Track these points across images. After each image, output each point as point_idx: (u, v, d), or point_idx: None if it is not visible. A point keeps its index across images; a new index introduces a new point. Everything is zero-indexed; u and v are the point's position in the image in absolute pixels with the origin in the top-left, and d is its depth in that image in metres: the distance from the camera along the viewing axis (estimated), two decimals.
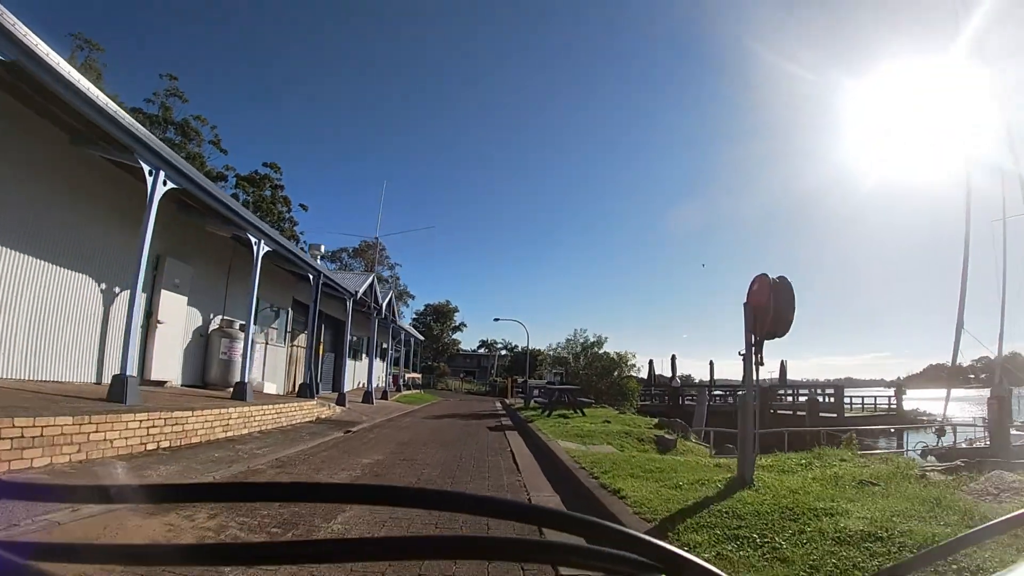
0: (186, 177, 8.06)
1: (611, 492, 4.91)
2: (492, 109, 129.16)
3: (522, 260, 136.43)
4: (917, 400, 39.40)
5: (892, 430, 26.83)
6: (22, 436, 5.12)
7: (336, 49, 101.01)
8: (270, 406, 9.91)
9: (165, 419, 6.94)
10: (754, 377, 5.33)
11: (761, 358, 5.30)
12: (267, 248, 10.88)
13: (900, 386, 39.33)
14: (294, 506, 4.71)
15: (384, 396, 22.74)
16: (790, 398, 36.38)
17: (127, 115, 6.97)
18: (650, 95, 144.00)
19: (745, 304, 5.43)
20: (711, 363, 45.32)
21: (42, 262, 7.85)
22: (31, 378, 7.80)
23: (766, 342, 5.33)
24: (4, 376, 7.38)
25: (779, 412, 31.54)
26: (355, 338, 25.29)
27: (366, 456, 7.70)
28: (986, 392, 23.31)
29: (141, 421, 6.54)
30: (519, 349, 65.40)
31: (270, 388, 13.56)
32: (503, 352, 75.18)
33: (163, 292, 10.13)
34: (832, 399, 33.47)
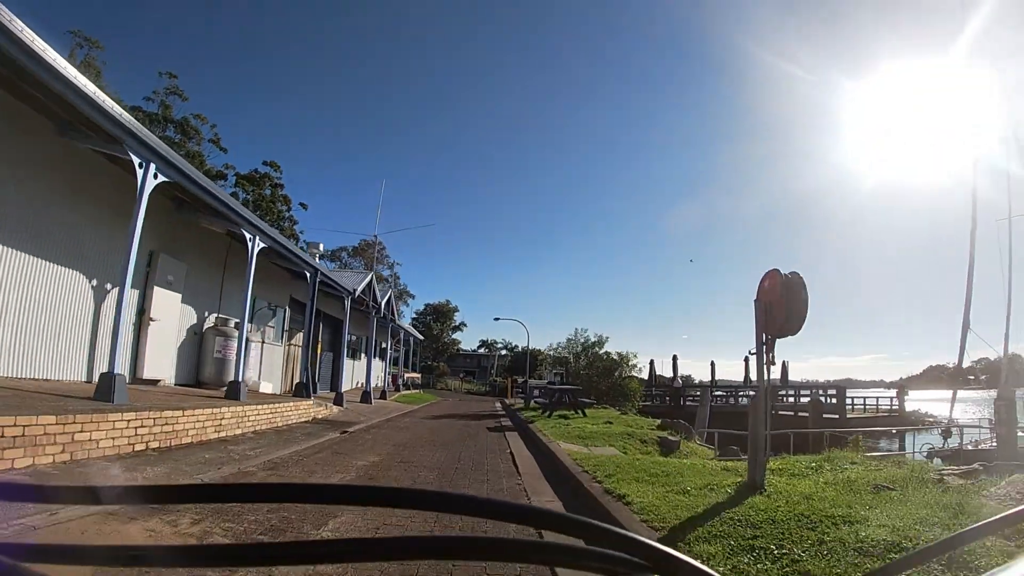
0: (178, 170, 7.84)
1: (616, 497, 4.68)
2: (492, 109, 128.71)
3: (522, 260, 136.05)
4: (918, 401, 39.21)
5: (894, 431, 26.61)
6: (2, 435, 4.90)
7: (336, 49, 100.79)
8: (265, 406, 9.69)
9: (154, 419, 6.72)
10: (765, 377, 5.10)
11: (773, 357, 5.08)
12: (262, 245, 10.66)
13: (902, 387, 39.08)
14: (283, 511, 4.50)
15: (383, 396, 22.53)
16: (792, 399, 36.11)
17: (115, 104, 6.74)
18: (650, 95, 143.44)
19: (756, 301, 5.21)
20: (712, 363, 45.02)
21: (30, 257, 7.62)
22: (18, 376, 7.58)
23: (778, 341, 5.10)
24: None
25: (780, 413, 31.30)
26: (354, 337, 25.08)
27: (362, 458, 7.47)
28: (986, 393, 23.14)
29: (129, 421, 6.32)
30: (519, 349, 65.29)
31: (266, 388, 13.33)
32: (503, 352, 75.04)
33: (156, 289, 9.91)
34: (834, 400, 33.26)
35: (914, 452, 17.48)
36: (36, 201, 7.73)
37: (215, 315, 11.99)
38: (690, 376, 67.40)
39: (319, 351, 18.75)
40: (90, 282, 8.67)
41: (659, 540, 0.55)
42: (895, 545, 3.26)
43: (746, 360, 46.47)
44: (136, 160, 7.20)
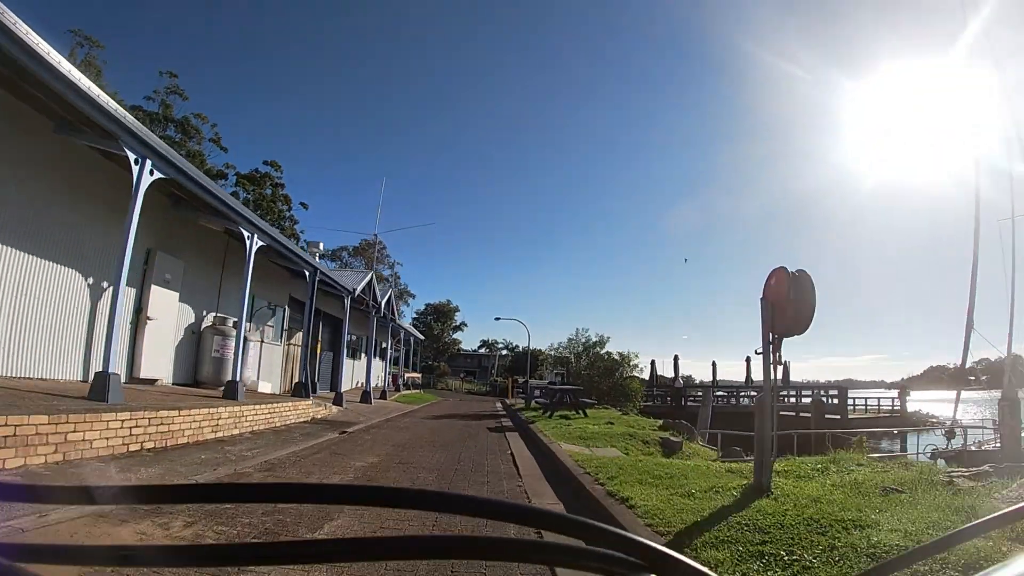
0: (174, 167, 7.74)
1: (619, 500, 4.57)
2: (492, 109, 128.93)
3: (522, 260, 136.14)
4: (919, 402, 39.11)
5: (895, 432, 26.49)
6: None
7: (336, 49, 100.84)
8: (263, 406, 9.58)
9: (149, 419, 6.61)
10: (772, 377, 4.98)
11: (780, 357, 4.96)
12: (261, 243, 10.55)
13: (904, 388, 38.96)
14: (278, 514, 4.40)
15: (383, 396, 22.42)
16: (793, 399, 35.95)
17: (110, 99, 6.64)
18: (650, 95, 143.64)
19: (762, 299, 5.09)
20: (713, 364, 44.99)
21: (25, 255, 7.53)
22: (14, 375, 7.49)
23: (785, 340, 4.99)
24: None
25: (782, 413, 31.10)
26: (354, 337, 24.97)
27: (360, 459, 7.37)
28: (987, 394, 23.02)
29: (123, 421, 6.21)
30: (520, 349, 65.22)
31: (265, 387, 13.23)
32: (504, 352, 74.93)
33: (153, 287, 9.81)
34: (836, 401, 33.14)
35: (918, 453, 17.31)
36: (34, 199, 7.66)
37: (213, 314, 11.89)
38: (690, 376, 67.26)
39: (319, 351, 18.65)
40: (86, 280, 8.57)
41: (665, 545, 0.53)
42: (909, 551, 3.15)
43: (747, 360, 46.53)
44: (132, 156, 7.10)
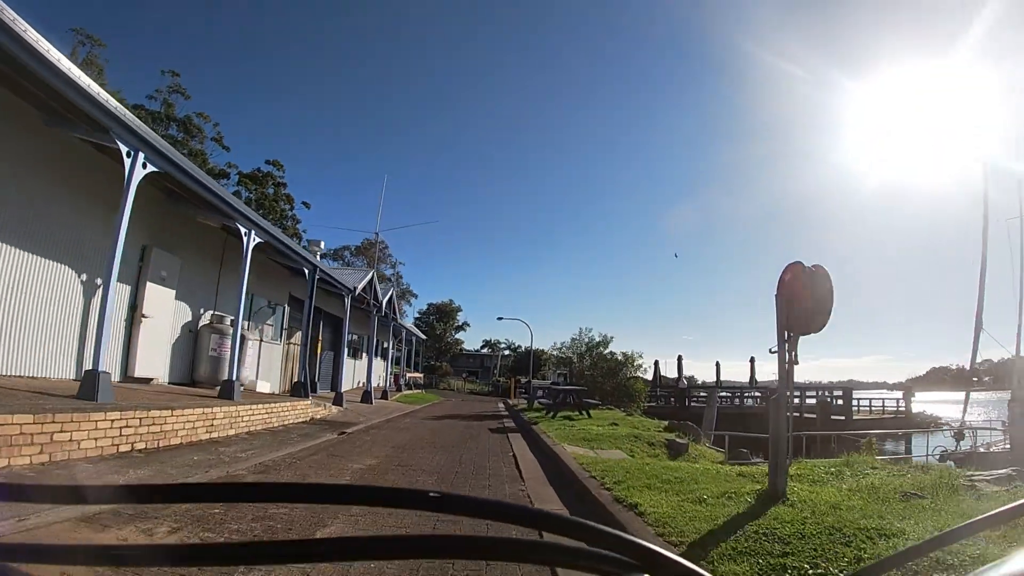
0: (167, 159, 7.53)
1: (627, 507, 4.34)
2: (492, 109, 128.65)
3: (525, 260, 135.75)
4: (923, 403, 38.82)
5: (900, 433, 26.22)
6: None
7: (336, 49, 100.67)
8: (260, 406, 9.37)
9: (140, 419, 6.41)
10: (788, 378, 4.75)
11: (795, 356, 4.73)
12: (258, 239, 10.35)
13: (909, 388, 38.63)
14: (268, 519, 4.20)
15: (384, 396, 22.23)
16: (797, 400, 35.64)
17: (101, 90, 6.44)
18: (650, 95, 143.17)
19: (777, 296, 4.85)
20: (717, 364, 44.64)
21: (18, 251, 7.36)
22: (5, 373, 7.31)
23: (802, 338, 4.76)
24: None
25: (786, 415, 30.83)
26: (355, 336, 24.77)
27: (358, 461, 7.15)
28: (992, 395, 22.76)
29: (113, 421, 6.01)
30: (522, 349, 65.00)
31: (263, 387, 13.02)
32: (506, 352, 74.66)
33: (149, 284, 9.62)
34: (840, 401, 32.84)
35: (927, 455, 17.06)
36: (32, 196, 7.51)
37: (211, 312, 11.69)
38: (693, 377, 66.97)
39: (319, 350, 18.45)
40: (80, 277, 8.38)
41: (674, 552, 0.52)
42: (940, 562, 2.92)
43: (752, 361, 46.29)
44: (124, 148, 6.91)
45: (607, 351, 25.23)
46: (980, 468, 11.88)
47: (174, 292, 10.39)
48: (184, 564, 0.50)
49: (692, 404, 32.53)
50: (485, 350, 76.79)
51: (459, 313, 68.56)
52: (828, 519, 3.81)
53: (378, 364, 26.22)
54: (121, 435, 6.13)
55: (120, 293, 9.04)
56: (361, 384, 23.38)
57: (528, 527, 0.55)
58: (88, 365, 8.07)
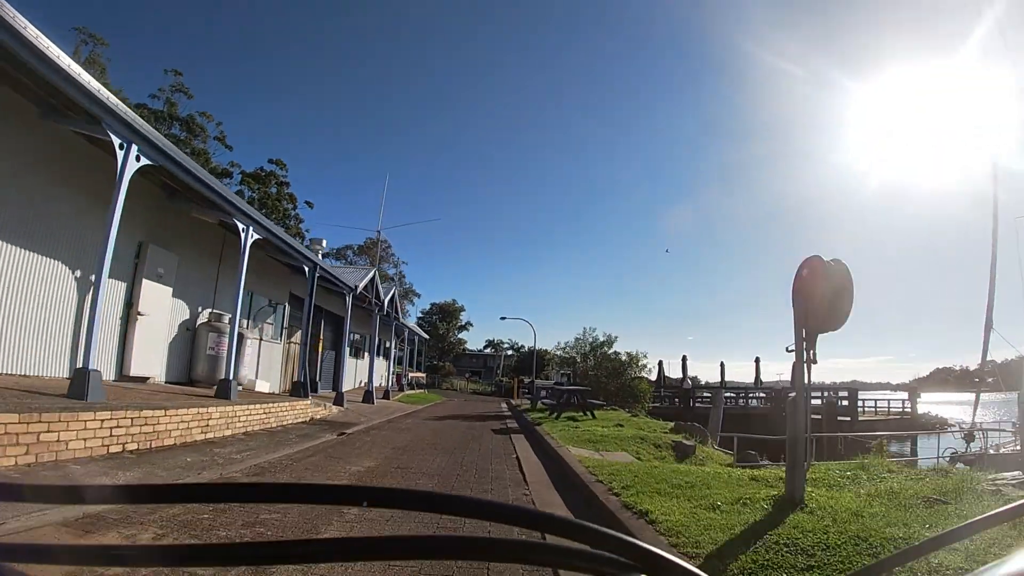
0: (162, 152, 7.33)
1: (637, 514, 4.10)
2: (492, 109, 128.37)
3: (527, 260, 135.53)
4: (927, 404, 38.52)
5: (905, 435, 25.90)
6: None
7: (336, 49, 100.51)
8: (257, 405, 9.16)
9: (132, 419, 6.21)
10: (806, 378, 4.52)
11: (814, 355, 4.49)
12: (256, 236, 10.14)
13: (915, 389, 38.29)
14: (258, 525, 4.00)
15: (386, 396, 22.03)
16: None
17: (92, 79, 6.24)
18: (650, 96, 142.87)
19: (794, 293, 4.62)
20: (722, 364, 44.25)
21: (10, 247, 7.18)
22: None
23: (819, 336, 4.52)
24: None
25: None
26: (357, 336, 24.59)
27: (357, 463, 6.94)
28: (995, 396, 22.46)
29: (103, 421, 5.82)
30: (525, 349, 64.80)
31: (263, 386, 12.81)
32: (509, 352, 74.42)
33: (145, 282, 9.42)
34: (846, 403, 32.52)
35: (938, 457, 16.77)
36: (25, 194, 7.35)
37: (209, 310, 11.50)
38: (696, 377, 66.69)
39: (320, 349, 18.26)
40: (73, 273, 8.19)
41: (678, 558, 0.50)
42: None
43: (757, 361, 45.99)
44: (116, 141, 6.70)
45: (611, 351, 24.98)
46: (991, 470, 11.62)
47: (171, 290, 10.19)
48: (184, 564, 0.50)
49: (696, 405, 32.24)
50: (488, 350, 76.57)
51: (462, 313, 68.44)
52: (851, 528, 3.59)
53: (380, 364, 26.03)
54: (111, 435, 5.94)
55: (115, 290, 8.86)
56: (363, 384, 23.20)
57: (527, 528, 0.53)
58: (81, 363, 7.92)
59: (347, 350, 18.71)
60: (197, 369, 10.95)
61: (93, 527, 3.71)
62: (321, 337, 18.44)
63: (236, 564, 0.51)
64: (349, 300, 16.28)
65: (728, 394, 36.13)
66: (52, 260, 7.82)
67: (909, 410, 35.20)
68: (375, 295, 19.96)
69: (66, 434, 5.40)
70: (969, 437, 18.25)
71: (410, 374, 34.77)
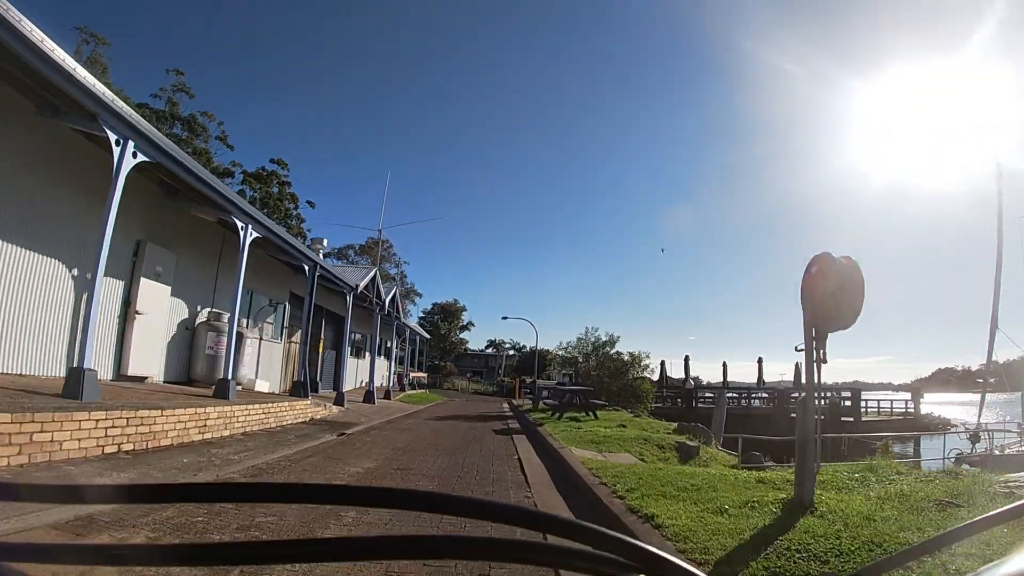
0: (159, 149, 7.23)
1: (642, 518, 3.99)
2: (492, 108, 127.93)
3: (528, 260, 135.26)
4: (930, 404, 38.33)
5: (908, 435, 25.73)
6: None
7: (336, 49, 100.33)
8: (256, 405, 9.06)
9: (128, 419, 6.12)
10: (816, 378, 4.40)
11: (824, 354, 4.37)
12: (256, 234, 10.03)
13: (918, 390, 38.10)
14: (253, 529, 3.91)
15: (387, 396, 21.93)
16: None
17: (88, 74, 6.14)
18: (650, 96, 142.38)
19: (802, 291, 4.50)
20: (724, 364, 44.08)
21: (8, 245, 7.10)
22: None
23: (830, 335, 4.41)
24: None
25: (793, 416, 30.46)
26: (359, 336, 24.50)
27: (356, 464, 6.83)
28: (997, 396, 22.33)
29: (98, 421, 5.72)
30: (527, 349, 64.66)
31: (262, 386, 12.72)
32: (511, 352, 74.28)
33: (143, 280, 9.33)
34: (849, 403, 32.34)
35: (944, 458, 16.63)
36: (25, 194, 7.28)
37: (208, 309, 11.40)
38: (698, 378, 66.56)
39: (321, 349, 18.18)
40: (70, 271, 8.10)
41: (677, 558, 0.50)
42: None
43: (759, 361, 45.78)
44: (112, 137, 6.61)
45: (613, 351, 24.86)
46: (998, 471, 11.49)
47: (170, 288, 10.10)
48: (185, 563, 0.50)
49: (699, 405, 32.10)
50: (490, 350, 76.45)
51: (464, 313, 68.32)
52: (864, 532, 3.48)
53: (381, 363, 25.94)
54: (107, 436, 5.84)
55: (113, 289, 8.78)
56: (364, 384, 23.10)
57: (527, 528, 0.52)
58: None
59: (348, 350, 18.60)
60: (196, 369, 10.85)
61: (84, 530, 3.61)
62: (322, 337, 18.35)
63: (236, 564, 0.50)
64: (350, 299, 16.18)
65: (730, 394, 35.97)
66: (50, 259, 7.75)
67: (912, 411, 35.02)
68: (376, 294, 19.87)
69: (60, 434, 5.31)
70: (975, 438, 18.12)
71: (411, 374, 34.69)
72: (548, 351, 50.80)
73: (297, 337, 16.34)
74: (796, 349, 4.48)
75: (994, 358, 21.21)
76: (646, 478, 5.31)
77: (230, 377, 9.18)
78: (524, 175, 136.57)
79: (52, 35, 5.73)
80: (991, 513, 0.69)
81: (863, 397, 35.00)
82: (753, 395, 38.40)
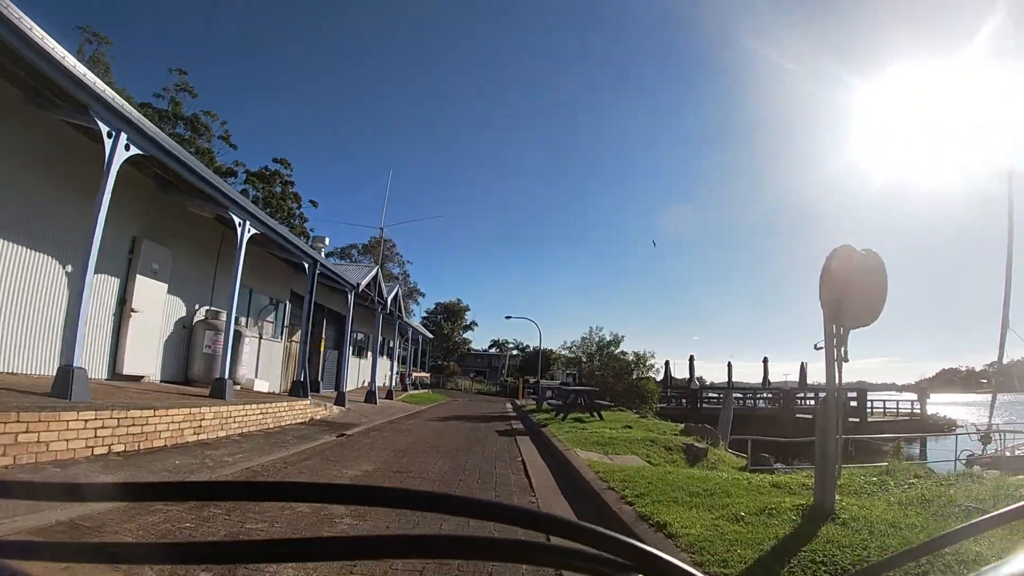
0: (152, 141, 7.03)
1: (654, 526, 3.76)
2: (490, 108, 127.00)
3: (531, 259, 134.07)
4: (935, 405, 38.00)
5: (914, 436, 25.43)
6: None
7: (334, 48, 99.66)
8: (254, 406, 8.86)
9: (118, 419, 5.92)
10: (837, 378, 4.17)
11: (845, 353, 4.14)
12: (253, 230, 9.83)
13: (924, 390, 37.74)
14: (243, 534, 3.70)
15: (389, 396, 21.73)
16: (812, 402, 34.86)
17: (77, 63, 5.94)
18: (651, 96, 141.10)
19: (821, 286, 4.27)
20: (729, 364, 43.79)
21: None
22: None
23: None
24: None
25: (798, 416, 30.28)
26: (361, 335, 24.32)
27: (354, 466, 6.63)
28: (1002, 397, 22.07)
29: (87, 421, 5.53)
30: (530, 349, 64.36)
31: (262, 386, 12.51)
32: (514, 352, 74.06)
33: (139, 278, 9.14)
34: (854, 404, 32.01)
35: (955, 459, 16.35)
36: (16, 188, 7.11)
37: (206, 308, 11.21)
38: (701, 378, 66.27)
39: (322, 348, 18.00)
40: (65, 269, 7.91)
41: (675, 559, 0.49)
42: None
43: (765, 361, 45.46)
44: (104, 128, 6.40)
45: (618, 351, 24.61)
46: (1009, 472, 11.23)
47: (166, 286, 9.91)
48: (181, 562, 0.50)
49: (703, 406, 31.82)
50: (493, 350, 76.23)
51: (467, 312, 68.10)
52: (891, 542, 3.26)
53: (383, 363, 25.76)
54: (96, 436, 5.65)
55: (108, 286, 8.60)
56: (366, 384, 22.91)
57: (527, 528, 0.51)
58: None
59: (349, 349, 18.39)
60: (194, 368, 10.67)
61: (64, 537, 3.40)
62: (323, 336, 18.17)
63: (235, 562, 0.49)
64: (351, 298, 15.97)
65: (735, 395, 35.69)
66: (43, 255, 7.58)
67: (918, 411, 34.67)
68: (378, 293, 19.66)
69: (47, 435, 5.13)
70: (986, 439, 17.83)
71: (414, 374, 34.53)
72: (551, 351, 50.62)
73: (298, 336, 16.15)
74: (815, 347, 4.25)
75: (994, 358, 20.96)
76: (656, 482, 5.08)
77: (227, 376, 8.97)
78: (522, 174, 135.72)
79: (54, 35, 5.63)
80: (993, 514, 0.69)
81: (868, 397, 34.66)
82: (758, 395, 38.13)
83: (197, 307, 11.06)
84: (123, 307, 8.96)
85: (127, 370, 8.97)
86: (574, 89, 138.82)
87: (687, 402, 32.98)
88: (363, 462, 6.94)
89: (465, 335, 69.49)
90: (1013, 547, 2.95)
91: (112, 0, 52.39)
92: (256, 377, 12.59)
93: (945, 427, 31.11)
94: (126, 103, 6.66)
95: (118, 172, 6.65)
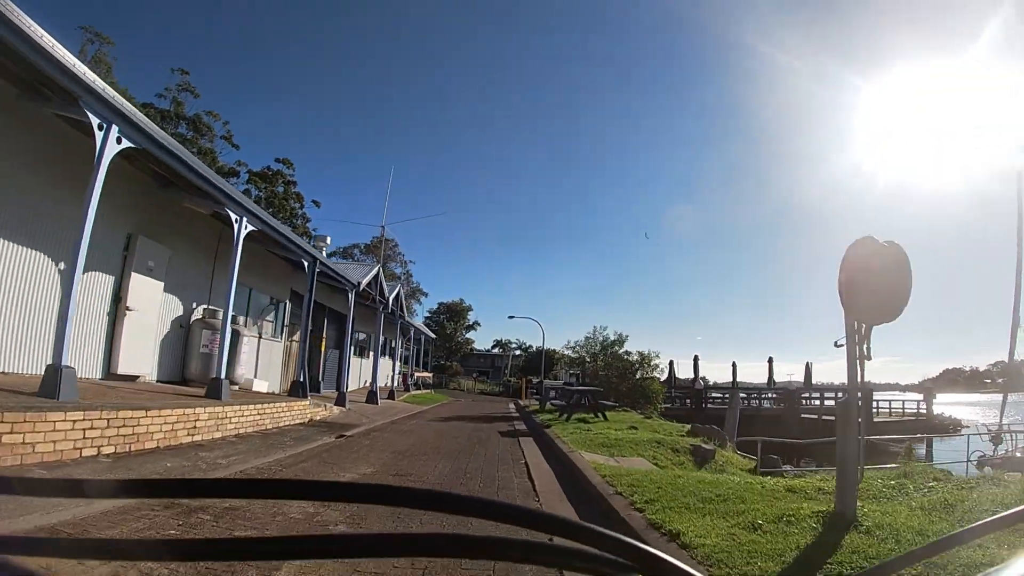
0: (144, 134, 6.83)
1: (666, 536, 3.53)
2: (492, 109, 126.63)
3: (534, 259, 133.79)
4: (940, 405, 37.68)
5: (920, 437, 25.14)
6: None
7: (336, 48, 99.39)
8: (251, 406, 8.67)
9: (108, 420, 5.72)
10: (858, 377, 3.95)
11: (868, 350, 3.92)
12: (251, 227, 9.63)
13: (930, 390, 37.38)
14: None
15: (391, 396, 21.53)
16: (817, 402, 34.56)
17: (67, 52, 5.75)
18: (651, 96, 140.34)
19: (840, 281, 4.05)
20: (734, 364, 43.38)
21: None
22: None
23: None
24: None
25: (803, 416, 30.00)
26: (363, 335, 24.14)
27: (352, 469, 6.42)
28: (1009, 397, 21.81)
29: (75, 422, 5.34)
30: (533, 349, 64.20)
31: (261, 386, 12.32)
32: (517, 352, 73.84)
33: (134, 275, 8.96)
34: (860, 403, 31.64)
35: (967, 461, 16.09)
36: (14, 189, 6.97)
37: (204, 307, 11.03)
38: (706, 378, 65.90)
39: (323, 348, 17.82)
40: (56, 266, 7.73)
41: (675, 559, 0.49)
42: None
43: (770, 361, 45.13)
44: (95, 121, 6.22)
45: (622, 350, 24.38)
46: (1020, 472, 11.00)
47: (162, 284, 9.73)
48: (182, 559, 0.55)
49: (708, 406, 31.55)
50: (496, 350, 76.01)
51: (470, 312, 67.84)
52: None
53: (385, 363, 25.58)
54: (84, 438, 5.46)
55: (102, 284, 8.43)
56: (367, 384, 22.72)
57: (528, 528, 0.50)
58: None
59: (351, 349, 18.19)
60: (191, 368, 10.48)
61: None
62: (324, 336, 17.99)
63: (234, 560, 0.46)
64: (352, 297, 15.77)
65: (740, 395, 35.36)
66: (40, 254, 7.46)
67: (924, 411, 34.34)
68: (379, 292, 19.47)
69: (33, 436, 4.94)
70: (997, 439, 17.56)
71: (416, 374, 34.34)
72: (555, 351, 50.37)
73: (298, 336, 15.97)
74: (836, 344, 4.03)
75: (1002, 358, 20.70)
76: (665, 487, 4.86)
77: (223, 376, 8.78)
78: (524, 175, 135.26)
79: (56, 35, 5.52)
80: (997, 516, 0.68)
81: (874, 398, 34.34)
82: (763, 396, 37.83)
83: (194, 306, 10.88)
84: (118, 305, 8.77)
85: (122, 370, 8.79)
86: (576, 90, 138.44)
87: (691, 402, 32.67)
88: (362, 464, 6.73)
89: (468, 335, 69.26)
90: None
91: (114, 1, 52.35)
92: (255, 377, 12.40)
93: (951, 427, 30.80)
94: (117, 95, 6.47)
95: (111, 167, 6.49)
